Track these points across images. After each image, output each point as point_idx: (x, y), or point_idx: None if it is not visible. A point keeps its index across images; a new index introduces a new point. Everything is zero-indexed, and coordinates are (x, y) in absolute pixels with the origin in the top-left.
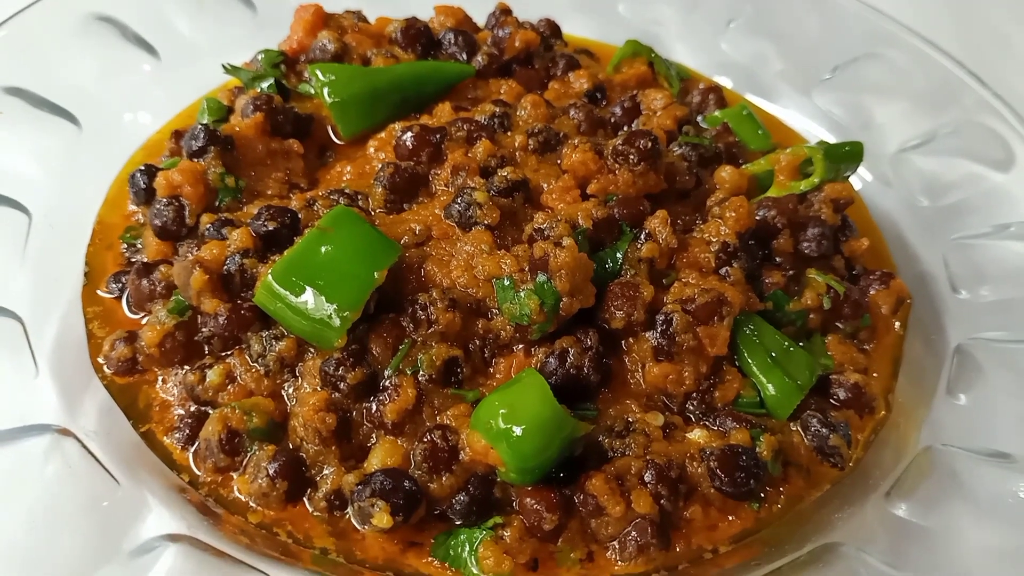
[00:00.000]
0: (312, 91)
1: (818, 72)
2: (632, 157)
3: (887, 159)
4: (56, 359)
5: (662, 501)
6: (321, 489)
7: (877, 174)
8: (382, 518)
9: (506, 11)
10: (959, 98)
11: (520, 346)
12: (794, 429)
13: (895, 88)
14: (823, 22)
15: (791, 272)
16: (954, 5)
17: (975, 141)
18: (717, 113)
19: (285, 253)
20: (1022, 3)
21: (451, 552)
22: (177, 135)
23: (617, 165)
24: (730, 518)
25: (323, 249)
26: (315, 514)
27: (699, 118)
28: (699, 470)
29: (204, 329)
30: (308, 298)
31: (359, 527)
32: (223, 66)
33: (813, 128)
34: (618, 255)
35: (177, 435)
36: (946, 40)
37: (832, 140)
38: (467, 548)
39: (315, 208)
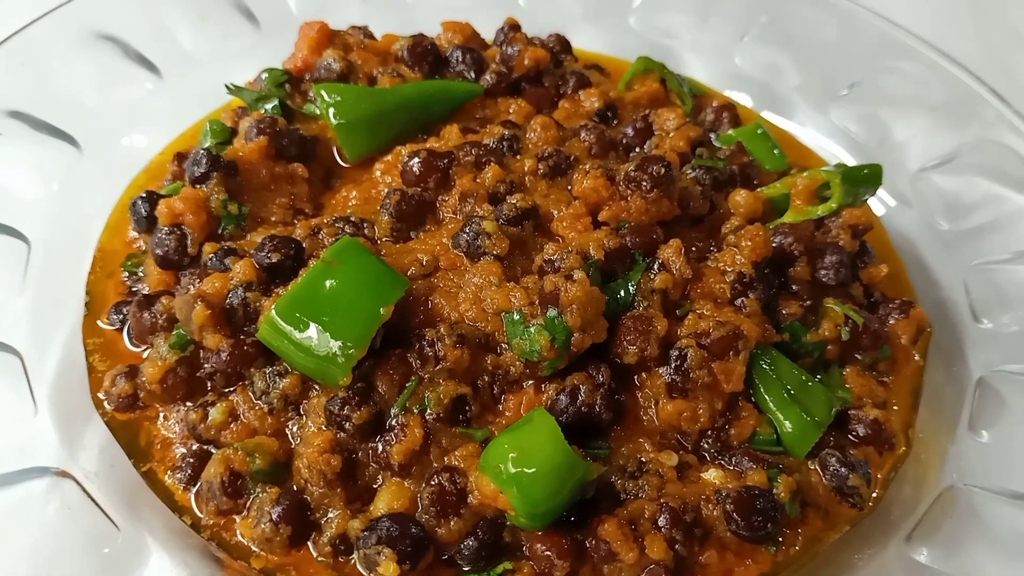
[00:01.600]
0: (317, 112)
1: (835, 87)
2: (645, 184)
3: (906, 179)
4: (56, 393)
5: (677, 546)
6: (326, 533)
7: (895, 194)
8: (388, 567)
9: (515, 27)
10: (979, 114)
11: (530, 382)
12: (812, 468)
13: (913, 104)
14: (839, 34)
15: (808, 302)
16: (972, 4)
17: (995, 160)
18: (731, 132)
19: (289, 287)
20: None
21: None
22: (179, 157)
23: (629, 192)
24: (747, 562)
25: (328, 283)
26: (320, 559)
27: (712, 136)
28: (715, 513)
29: (206, 365)
30: (313, 335)
31: (365, 574)
32: (227, 86)
33: (829, 146)
34: (630, 286)
35: (179, 475)
36: (964, 41)
37: (849, 158)
38: None
39: (320, 236)
